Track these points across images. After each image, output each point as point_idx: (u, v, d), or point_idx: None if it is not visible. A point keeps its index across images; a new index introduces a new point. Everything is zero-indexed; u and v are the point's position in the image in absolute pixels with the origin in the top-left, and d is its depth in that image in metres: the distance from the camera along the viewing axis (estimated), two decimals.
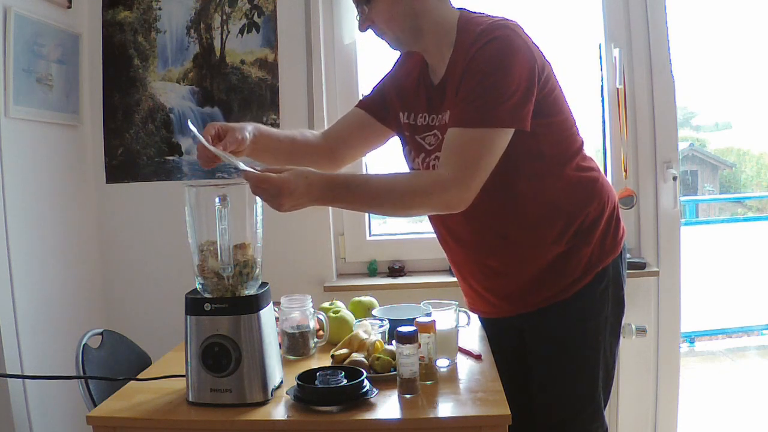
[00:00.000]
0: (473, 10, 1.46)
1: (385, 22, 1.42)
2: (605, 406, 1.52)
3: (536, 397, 1.54)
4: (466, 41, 1.37)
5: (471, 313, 1.75)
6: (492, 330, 1.69)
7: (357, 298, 1.82)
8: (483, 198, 1.36)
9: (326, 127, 2.44)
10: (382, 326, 1.55)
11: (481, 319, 1.74)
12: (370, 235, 2.58)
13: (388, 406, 1.26)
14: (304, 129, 1.74)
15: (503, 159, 1.35)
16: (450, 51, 1.42)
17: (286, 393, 1.29)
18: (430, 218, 1.60)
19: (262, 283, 1.38)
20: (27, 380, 1.99)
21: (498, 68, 1.31)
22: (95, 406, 1.42)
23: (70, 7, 2.32)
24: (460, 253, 1.58)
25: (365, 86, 2.53)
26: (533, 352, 1.55)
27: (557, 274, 1.46)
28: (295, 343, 1.59)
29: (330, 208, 2.48)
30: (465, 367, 1.48)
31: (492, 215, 1.45)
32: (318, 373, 1.29)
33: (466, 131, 1.33)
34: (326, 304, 1.75)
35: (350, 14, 2.48)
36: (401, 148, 1.63)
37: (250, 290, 1.34)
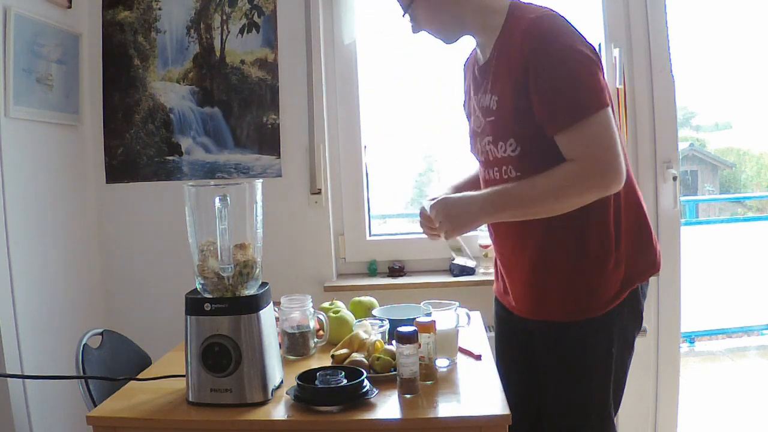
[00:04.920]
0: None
1: (430, 24, 1.47)
2: (615, 413, 1.50)
3: (546, 403, 1.52)
4: (515, 27, 1.37)
5: (471, 313, 1.74)
6: (504, 327, 1.67)
7: (357, 298, 1.82)
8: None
9: (327, 126, 2.46)
10: (382, 326, 1.55)
11: (497, 312, 1.71)
12: (370, 235, 2.59)
13: (388, 406, 1.26)
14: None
15: (561, 158, 1.34)
16: (496, 33, 1.42)
17: (286, 393, 1.29)
18: None
19: (262, 283, 1.38)
20: (27, 380, 1.99)
21: (565, 60, 1.31)
22: (95, 406, 1.42)
23: (70, 7, 2.32)
24: (504, 245, 1.57)
25: (365, 86, 2.53)
26: (544, 357, 1.52)
27: (591, 290, 1.42)
28: (295, 343, 1.60)
29: (330, 208, 2.49)
30: (465, 367, 1.48)
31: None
32: (318, 373, 1.29)
33: (571, 133, 1.31)
34: (326, 304, 1.75)
35: (350, 14, 2.48)
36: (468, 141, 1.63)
37: (250, 290, 1.34)
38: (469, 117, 1.59)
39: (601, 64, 1.37)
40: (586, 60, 1.32)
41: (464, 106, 1.65)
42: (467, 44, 1.55)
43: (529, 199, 1.35)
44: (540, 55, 1.32)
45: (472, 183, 1.65)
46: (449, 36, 1.50)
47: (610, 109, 1.32)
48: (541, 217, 1.36)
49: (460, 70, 1.68)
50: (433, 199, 1.43)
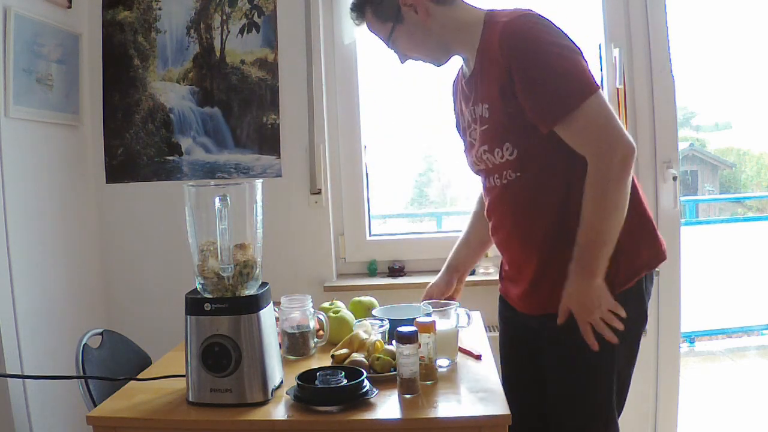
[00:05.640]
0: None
1: (414, 51, 1.51)
2: (619, 414, 1.50)
3: (550, 402, 1.52)
4: (492, 33, 1.40)
5: (471, 313, 1.74)
6: (509, 327, 1.67)
7: (357, 298, 1.82)
8: (533, 186, 1.40)
9: (327, 126, 2.46)
10: (382, 326, 1.55)
11: (502, 312, 1.71)
12: (370, 235, 2.58)
13: (388, 406, 1.26)
14: (474, 205, 1.78)
15: (559, 155, 1.36)
16: (477, 44, 1.45)
17: (286, 393, 1.29)
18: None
19: (262, 283, 1.38)
20: (27, 380, 1.99)
21: (545, 55, 1.33)
22: (95, 406, 1.42)
23: (70, 7, 2.32)
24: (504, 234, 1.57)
25: (365, 86, 2.53)
26: (548, 354, 1.52)
27: None
28: (295, 343, 1.60)
29: (330, 208, 2.48)
30: (465, 367, 1.49)
31: (535, 206, 1.44)
32: (318, 373, 1.29)
33: (566, 125, 1.33)
34: (326, 304, 1.75)
35: (350, 14, 2.47)
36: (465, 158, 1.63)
37: (250, 290, 1.34)
38: (463, 134, 1.60)
39: (582, 52, 1.38)
40: (565, 50, 1.34)
41: (457, 126, 1.66)
42: None
43: (598, 230, 1.35)
44: (519, 55, 1.34)
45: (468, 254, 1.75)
46: (436, 59, 1.53)
47: (599, 92, 1.33)
48: (619, 226, 1.35)
49: (449, 91, 1.69)
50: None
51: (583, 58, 1.36)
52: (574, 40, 1.38)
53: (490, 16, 1.44)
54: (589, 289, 1.35)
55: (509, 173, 1.44)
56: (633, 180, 1.47)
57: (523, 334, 1.59)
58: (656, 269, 1.50)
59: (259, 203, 1.36)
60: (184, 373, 1.33)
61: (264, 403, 1.29)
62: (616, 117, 1.34)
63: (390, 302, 1.76)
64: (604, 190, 1.33)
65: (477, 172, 1.58)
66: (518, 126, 1.38)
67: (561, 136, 1.35)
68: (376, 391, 1.28)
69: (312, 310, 1.63)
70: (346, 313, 1.72)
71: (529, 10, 1.40)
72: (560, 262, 1.42)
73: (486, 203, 1.58)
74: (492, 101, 1.42)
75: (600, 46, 2.44)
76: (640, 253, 1.45)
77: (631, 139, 1.34)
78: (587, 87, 1.32)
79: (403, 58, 1.54)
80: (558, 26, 1.38)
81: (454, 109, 1.68)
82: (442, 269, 1.78)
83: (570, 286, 1.37)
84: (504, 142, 1.42)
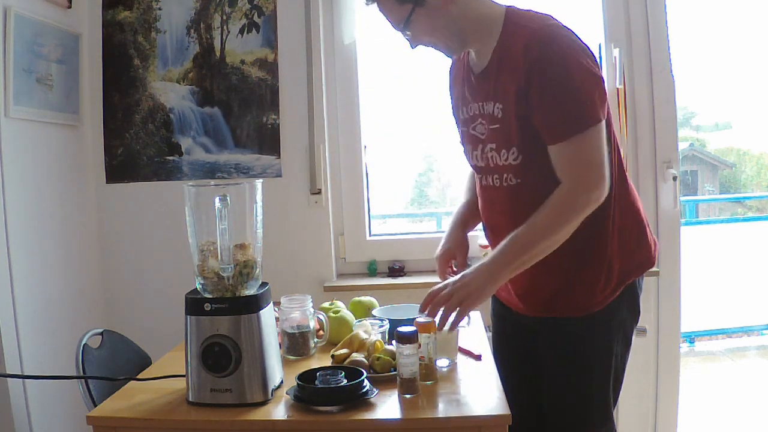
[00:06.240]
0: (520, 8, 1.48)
1: (430, 36, 1.46)
2: (613, 408, 1.51)
3: (548, 400, 1.53)
4: (515, 36, 1.38)
5: (471, 313, 1.74)
6: (503, 325, 1.68)
7: (357, 298, 1.82)
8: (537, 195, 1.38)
9: (327, 126, 2.46)
10: (382, 326, 1.55)
11: (495, 309, 1.72)
12: (370, 235, 2.58)
13: (388, 406, 1.26)
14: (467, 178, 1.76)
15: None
16: (494, 42, 1.43)
17: (286, 393, 1.29)
18: (480, 199, 1.60)
19: (262, 283, 1.38)
20: (27, 380, 1.99)
21: (568, 72, 1.33)
22: (95, 406, 1.42)
23: (70, 7, 2.32)
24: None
25: (365, 86, 2.53)
26: (545, 353, 1.53)
27: (589, 286, 1.45)
28: (295, 343, 1.60)
29: (330, 208, 2.48)
30: (465, 367, 1.49)
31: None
32: (318, 373, 1.29)
33: (565, 145, 1.34)
34: (326, 304, 1.75)
35: (350, 14, 2.48)
36: (462, 148, 1.62)
37: (250, 290, 1.34)
38: (462, 124, 1.58)
39: (601, 73, 1.38)
40: (587, 74, 1.34)
41: (454, 112, 1.64)
42: None
43: (534, 240, 1.35)
44: (543, 66, 1.33)
45: (473, 212, 1.68)
46: (450, 49, 1.50)
47: (603, 122, 1.34)
48: (551, 250, 1.36)
49: (446, 75, 1.67)
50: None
51: (602, 78, 1.37)
52: (593, 54, 1.38)
53: (513, 15, 1.42)
54: (487, 278, 1.35)
55: (510, 177, 1.44)
56: (631, 188, 1.49)
57: (519, 332, 1.60)
58: (655, 268, 1.51)
59: (259, 203, 1.36)
60: (184, 373, 1.33)
61: (264, 403, 1.29)
62: (603, 156, 1.35)
63: (390, 302, 1.76)
64: (565, 213, 1.35)
65: (474, 167, 1.57)
66: (526, 131, 1.38)
67: (551, 154, 1.36)
68: (376, 391, 1.28)
69: (312, 310, 1.63)
70: (346, 313, 1.72)
71: (554, 18, 1.39)
72: (556, 268, 1.43)
73: (480, 202, 1.58)
74: (506, 103, 1.40)
75: (600, 46, 2.43)
76: (632, 259, 1.47)
77: (607, 180, 1.35)
78: (594, 116, 1.33)
79: (414, 44, 1.48)
80: (584, 43, 1.37)
81: (451, 95, 1.64)
82: (451, 228, 1.69)
83: (480, 265, 1.37)
84: (512, 146, 1.41)
